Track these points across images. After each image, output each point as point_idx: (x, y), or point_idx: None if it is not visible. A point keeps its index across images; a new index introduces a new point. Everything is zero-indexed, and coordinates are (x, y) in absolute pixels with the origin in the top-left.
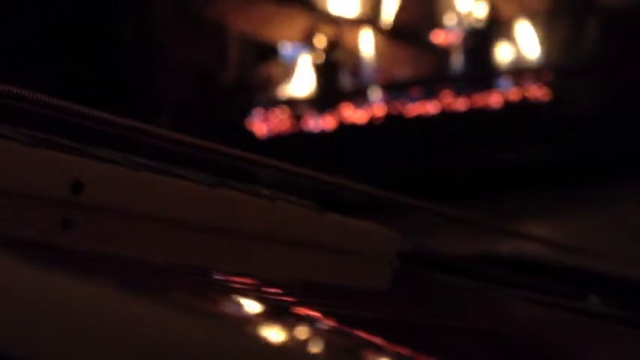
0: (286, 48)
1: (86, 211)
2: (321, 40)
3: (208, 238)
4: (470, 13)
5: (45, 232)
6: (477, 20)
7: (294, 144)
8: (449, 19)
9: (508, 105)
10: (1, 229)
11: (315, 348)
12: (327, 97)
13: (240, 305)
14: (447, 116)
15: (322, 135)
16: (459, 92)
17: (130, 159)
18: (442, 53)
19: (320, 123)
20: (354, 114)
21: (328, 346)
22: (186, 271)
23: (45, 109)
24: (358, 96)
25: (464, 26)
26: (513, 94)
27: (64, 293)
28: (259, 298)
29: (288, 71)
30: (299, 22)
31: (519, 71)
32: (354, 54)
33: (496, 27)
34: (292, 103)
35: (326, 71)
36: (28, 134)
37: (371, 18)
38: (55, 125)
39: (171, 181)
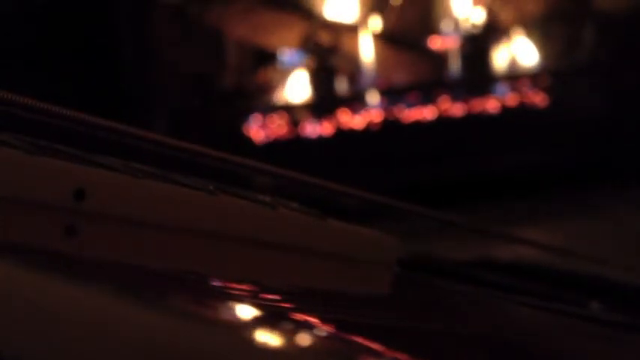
0: (284, 54)
1: (88, 218)
2: (318, 46)
3: (210, 245)
4: (467, 19)
5: (48, 238)
6: (474, 26)
7: (292, 150)
8: (446, 25)
9: (505, 110)
10: (5, 235)
11: (314, 354)
12: (324, 102)
13: (240, 311)
14: (444, 122)
15: (320, 140)
16: (456, 98)
17: (131, 166)
18: (439, 59)
19: (317, 129)
20: (351, 120)
21: (327, 352)
22: (188, 277)
23: (46, 117)
24: (356, 102)
25: (461, 32)
26: (510, 99)
27: (66, 299)
28: (259, 305)
29: (285, 77)
30: (297, 28)
31: (516, 77)
32: (351, 60)
33: (493, 33)
34: (290, 109)
35: (323, 77)
36: (30, 142)
37: (368, 24)
38: (57, 133)
39: (172, 188)
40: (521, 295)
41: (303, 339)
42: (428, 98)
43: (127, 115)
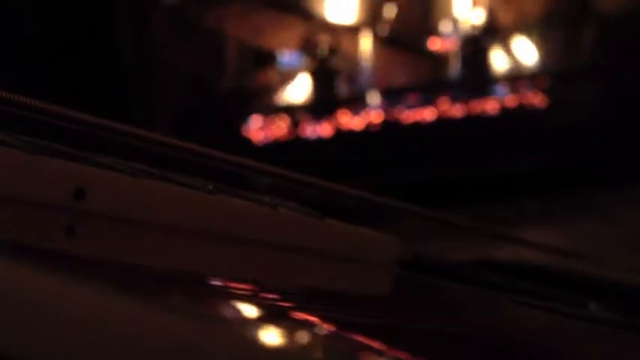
0: (284, 55)
1: (88, 217)
2: (318, 48)
3: (209, 245)
4: (467, 21)
5: (48, 237)
6: (474, 27)
7: (292, 150)
8: (446, 27)
9: (505, 112)
10: (6, 235)
11: (314, 352)
12: (324, 104)
13: (239, 310)
14: (443, 123)
15: (319, 142)
16: (455, 99)
17: (131, 166)
18: (439, 60)
19: (317, 130)
20: (351, 121)
21: (327, 351)
22: (187, 276)
23: (47, 117)
24: (355, 103)
25: (461, 33)
26: (510, 100)
27: (66, 298)
28: (259, 304)
29: (285, 78)
30: (297, 29)
31: (516, 78)
32: (351, 61)
33: (493, 34)
34: (290, 110)
35: (323, 78)
36: (30, 142)
37: (368, 25)
38: (58, 133)
39: (172, 188)
40: (520, 295)
41: (304, 338)
42: (427, 99)
43: (127, 115)
